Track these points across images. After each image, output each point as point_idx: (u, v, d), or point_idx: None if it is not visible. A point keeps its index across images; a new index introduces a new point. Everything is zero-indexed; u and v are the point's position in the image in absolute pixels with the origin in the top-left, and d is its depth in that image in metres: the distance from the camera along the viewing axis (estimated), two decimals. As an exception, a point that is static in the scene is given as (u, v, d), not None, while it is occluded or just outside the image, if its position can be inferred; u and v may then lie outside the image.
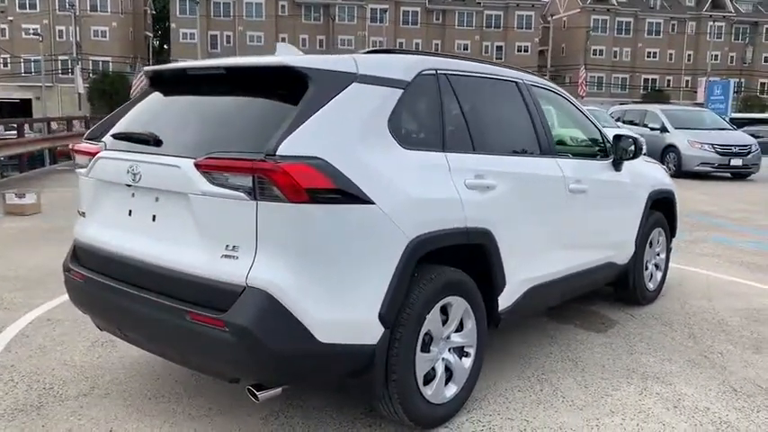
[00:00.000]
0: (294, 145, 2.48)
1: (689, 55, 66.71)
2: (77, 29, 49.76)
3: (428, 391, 2.98)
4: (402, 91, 2.97)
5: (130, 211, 2.93)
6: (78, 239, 3.24)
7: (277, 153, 2.44)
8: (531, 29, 64.83)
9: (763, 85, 66.90)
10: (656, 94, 59.18)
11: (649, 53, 66.23)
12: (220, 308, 2.52)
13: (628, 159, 4.43)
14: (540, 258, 3.69)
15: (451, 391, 3.12)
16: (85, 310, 3.25)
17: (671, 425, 3.15)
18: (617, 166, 4.44)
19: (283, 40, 61.70)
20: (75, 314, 4.53)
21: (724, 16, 66.00)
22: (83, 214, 3.22)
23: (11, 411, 3.17)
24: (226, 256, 2.53)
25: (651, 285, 5.14)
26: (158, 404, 3.27)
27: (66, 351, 3.94)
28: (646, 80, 65.94)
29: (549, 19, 66.07)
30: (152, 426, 3.05)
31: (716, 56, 62.72)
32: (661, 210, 5.12)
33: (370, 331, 2.68)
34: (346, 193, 2.56)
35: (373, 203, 2.63)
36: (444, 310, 3.04)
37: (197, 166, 2.56)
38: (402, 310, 2.77)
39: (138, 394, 3.37)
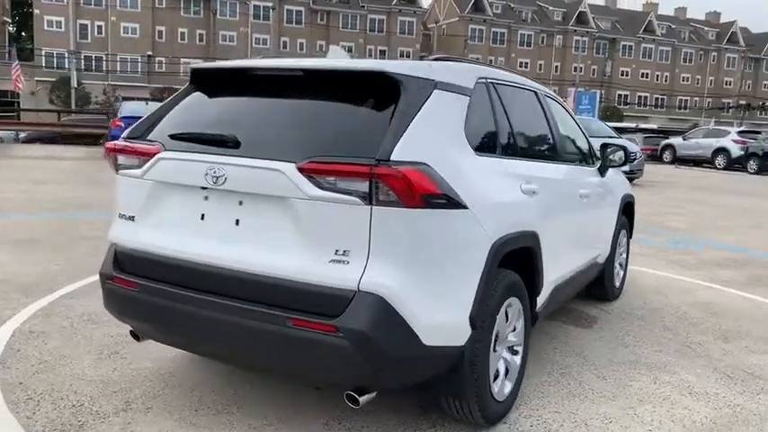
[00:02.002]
0: (404, 151, 2.50)
1: (556, 66, 71.27)
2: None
3: (495, 389, 3.09)
4: (468, 98, 3.06)
5: (203, 215, 2.80)
6: (124, 245, 3.04)
7: (391, 158, 2.45)
8: (413, 35, 66.46)
9: (620, 96, 72.75)
10: (528, 102, 62.48)
11: (521, 63, 69.97)
12: (326, 313, 2.49)
13: (616, 167, 4.77)
14: (563, 259, 3.91)
15: (508, 387, 3.25)
16: (136, 320, 3.05)
17: (695, 410, 3.47)
18: (602, 172, 4.78)
19: (161, 33, 59.23)
20: (59, 325, 4.26)
21: (587, 31, 71.17)
22: (131, 218, 3.02)
23: (51, 431, 2.92)
24: (335, 260, 2.50)
25: (617, 283, 5.55)
26: (208, 416, 3.14)
27: (72, 365, 3.65)
28: (518, 88, 69.49)
29: (431, 26, 68.09)
30: (216, 438, 2.93)
31: (580, 68, 67.40)
32: (625, 213, 5.55)
33: (462, 333, 2.75)
34: (450, 199, 2.61)
35: (467, 208, 2.71)
36: (505, 311, 3.16)
37: (301, 170, 2.51)
38: (483, 311, 2.86)
39: (182, 407, 3.21)
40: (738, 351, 4.45)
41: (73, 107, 41.71)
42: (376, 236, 2.47)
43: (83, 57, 54.90)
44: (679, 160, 26.82)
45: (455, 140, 2.86)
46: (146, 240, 2.94)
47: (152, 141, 2.98)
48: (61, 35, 55.88)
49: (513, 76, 3.77)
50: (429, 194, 2.52)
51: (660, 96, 75.04)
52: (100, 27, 57.61)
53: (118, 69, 57.59)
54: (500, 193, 3.04)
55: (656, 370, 4.01)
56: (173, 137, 2.91)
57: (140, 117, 12.98)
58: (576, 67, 62.79)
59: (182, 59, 59.80)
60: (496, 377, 3.12)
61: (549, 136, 3.98)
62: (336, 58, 3.28)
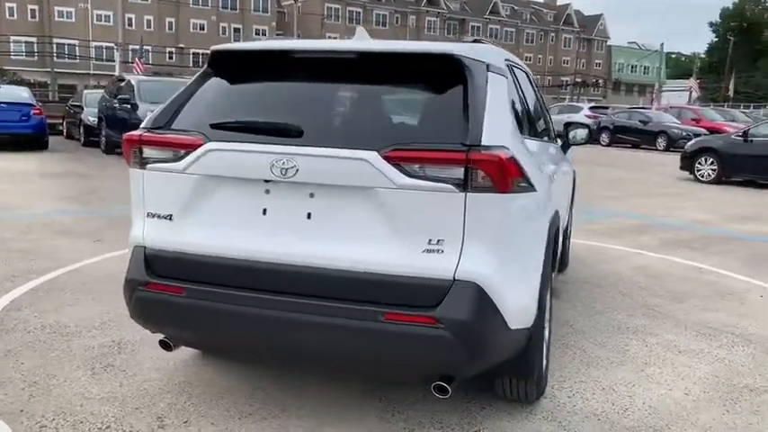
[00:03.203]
0: (489, 135, 2.47)
1: (412, 46, 72.80)
2: None
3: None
4: (506, 80, 3.08)
5: (265, 210, 2.59)
6: (160, 247, 2.74)
7: (482, 143, 2.42)
8: (268, 12, 64.95)
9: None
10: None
11: (378, 42, 70.79)
12: (421, 305, 2.42)
13: (578, 144, 5.01)
14: (559, 235, 4.06)
15: (544, 362, 3.34)
16: (181, 327, 2.77)
17: (694, 366, 3.77)
18: (565, 150, 5.00)
19: (-15, 7, 53.17)
20: (24, 341, 3.84)
21: (438, 12, 73.42)
22: (167, 217, 2.73)
23: (95, 461, 2.60)
24: (428, 250, 2.43)
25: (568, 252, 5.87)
26: (256, 422, 2.94)
27: (69, 384, 3.26)
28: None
29: (286, 4, 66.89)
30: (279, 446, 2.76)
31: (434, 48, 69.27)
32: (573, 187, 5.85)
33: (532, 314, 2.78)
34: (528, 182, 2.62)
35: (536, 190, 2.73)
36: (544, 290, 3.24)
37: (387, 158, 2.40)
38: (545, 291, 2.92)
39: (221, 417, 2.98)
40: (694, 310, 4.88)
41: None
42: (470, 223, 2.42)
43: None
44: (539, 135, 28.55)
45: (513, 123, 2.86)
46: (192, 240, 2.68)
47: (187, 131, 2.70)
48: None
49: (515, 57, 3.83)
50: (517, 178, 2.51)
51: (507, 75, 79.17)
52: None
53: (-67, 48, 51.20)
54: (543, 175, 3.10)
55: (640, 333, 4.30)
56: (217, 126, 2.65)
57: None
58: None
59: (11, 38, 54.31)
60: (541, 353, 3.21)
61: (542, 115, 4.11)
62: (363, 40, 3.16)
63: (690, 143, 14.96)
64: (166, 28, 60.05)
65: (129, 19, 58.47)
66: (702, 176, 13.80)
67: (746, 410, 3.24)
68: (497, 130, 2.55)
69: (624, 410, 3.19)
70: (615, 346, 4.05)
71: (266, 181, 2.55)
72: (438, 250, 2.43)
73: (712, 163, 13.64)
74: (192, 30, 61.00)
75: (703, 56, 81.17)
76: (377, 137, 2.49)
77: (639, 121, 24.83)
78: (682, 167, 14.38)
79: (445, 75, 2.65)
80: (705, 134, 19.95)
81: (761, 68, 68.63)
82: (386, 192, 2.43)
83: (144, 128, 2.80)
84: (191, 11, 60.98)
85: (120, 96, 13.62)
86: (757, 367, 3.81)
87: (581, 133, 4.93)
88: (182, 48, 60.79)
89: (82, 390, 3.20)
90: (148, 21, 59.35)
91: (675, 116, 26.03)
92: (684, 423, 3.09)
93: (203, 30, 61.55)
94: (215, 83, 2.91)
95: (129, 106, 13.06)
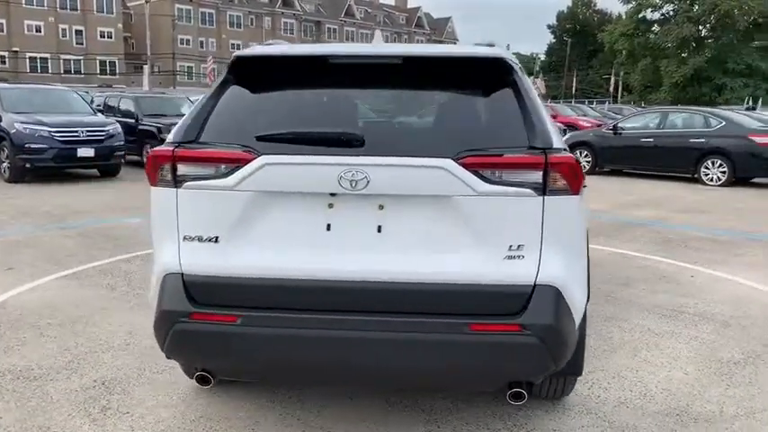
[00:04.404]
0: (556, 138, 2.49)
1: (268, 48, 71.76)
2: None
3: (574, 359, 3.23)
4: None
5: (329, 226, 2.43)
6: (204, 273, 2.47)
7: (554, 146, 2.43)
8: (113, 13, 61.11)
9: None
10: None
11: (233, 44, 68.98)
12: (503, 312, 2.39)
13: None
14: None
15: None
16: (232, 358, 2.51)
17: (677, 348, 4.03)
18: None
19: None
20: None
21: (294, 14, 72.99)
22: (212, 240, 2.47)
23: None
24: (509, 257, 2.40)
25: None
26: (306, 453, 2.76)
27: (71, 435, 2.87)
28: (233, 70, 68.52)
29: (133, 5, 63.43)
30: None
31: (291, 50, 68.74)
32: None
33: (583, 309, 2.82)
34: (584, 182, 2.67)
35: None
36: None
37: (465, 165, 2.34)
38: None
39: (266, 451, 2.77)
40: (645, 294, 5.21)
41: None
42: (548, 226, 2.42)
43: None
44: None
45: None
46: (244, 263, 2.45)
47: (230, 145, 2.46)
48: None
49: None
50: (583, 180, 2.54)
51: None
52: None
53: None
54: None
55: (613, 320, 4.53)
56: (264, 138, 2.44)
57: None
58: (287, 49, 63.89)
59: None
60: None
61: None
62: (381, 45, 3.05)
63: (565, 137, 16.00)
64: (3, 30, 54.76)
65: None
66: (578, 168, 14.79)
67: (743, 383, 3.52)
68: (556, 132, 2.57)
69: (644, 396, 3.34)
70: (599, 334, 4.24)
71: (332, 194, 2.39)
72: (519, 256, 2.41)
73: (587, 155, 14.70)
74: (27, 32, 56.05)
75: (543, 56, 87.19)
76: (443, 143, 2.42)
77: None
78: (558, 160, 15.32)
79: (494, 78, 2.63)
80: (562, 128, 21.37)
81: (594, 67, 74.97)
82: (464, 199, 2.36)
83: (173, 142, 2.52)
84: (24, 11, 55.92)
85: (-23, 107, 12.18)
86: (727, 341, 4.14)
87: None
88: (15, 51, 55.76)
89: (91, 440, 2.84)
90: (-14, 23, 53.83)
91: (535, 112, 27.66)
92: (701, 401, 3.29)
93: (40, 32, 56.76)
94: (241, 92, 2.68)
95: (-10, 117, 11.74)
